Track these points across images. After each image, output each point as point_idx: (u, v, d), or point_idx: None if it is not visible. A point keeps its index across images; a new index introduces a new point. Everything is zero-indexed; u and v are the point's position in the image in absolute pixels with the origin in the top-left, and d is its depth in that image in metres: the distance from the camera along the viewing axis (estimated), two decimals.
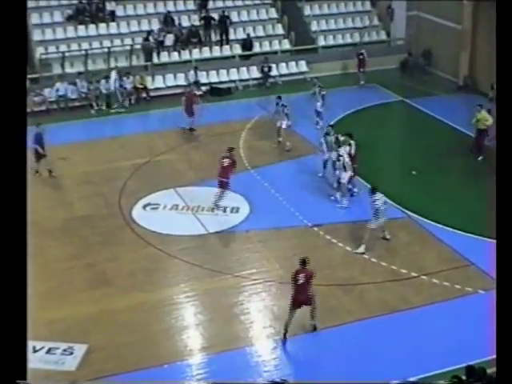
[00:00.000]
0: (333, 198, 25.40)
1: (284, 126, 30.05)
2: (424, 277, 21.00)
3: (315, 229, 23.57)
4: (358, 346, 18.11)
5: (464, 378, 13.82)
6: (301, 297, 17.97)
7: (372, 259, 21.87)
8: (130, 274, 21.38)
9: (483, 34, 36.03)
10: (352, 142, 25.46)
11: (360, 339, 18.39)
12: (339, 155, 24.96)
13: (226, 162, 24.57)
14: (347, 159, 24.92)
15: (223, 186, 24.69)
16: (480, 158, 28.57)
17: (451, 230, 23.36)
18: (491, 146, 27.24)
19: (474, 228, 23.42)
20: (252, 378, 16.93)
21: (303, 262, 17.90)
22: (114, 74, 35.73)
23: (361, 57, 38.09)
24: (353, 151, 25.36)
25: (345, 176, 24.97)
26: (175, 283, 21.00)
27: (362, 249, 22.24)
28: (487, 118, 28.26)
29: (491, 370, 14.75)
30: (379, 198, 22.17)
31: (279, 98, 30.68)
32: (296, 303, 18.06)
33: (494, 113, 25.47)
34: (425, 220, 24.04)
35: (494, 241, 21.69)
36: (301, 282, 17.82)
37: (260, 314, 19.74)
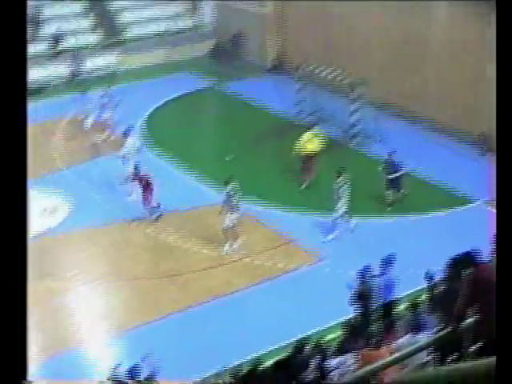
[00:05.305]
0: None
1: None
2: (246, 259, 21.27)
3: (135, 223, 23.34)
4: (189, 335, 18.18)
5: None
6: None
7: (194, 248, 21.95)
8: None
9: (288, 18, 36.84)
10: None
11: (189, 328, 18.47)
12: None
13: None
14: None
15: None
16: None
17: (270, 210, 23.68)
18: None
19: (293, 206, 23.95)
20: (91, 376, 16.30)
21: None
22: None
23: None
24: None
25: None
26: None
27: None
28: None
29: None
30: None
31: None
32: None
33: None
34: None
35: (312, 215, 22.45)
36: None
37: (87, 314, 19.53)
